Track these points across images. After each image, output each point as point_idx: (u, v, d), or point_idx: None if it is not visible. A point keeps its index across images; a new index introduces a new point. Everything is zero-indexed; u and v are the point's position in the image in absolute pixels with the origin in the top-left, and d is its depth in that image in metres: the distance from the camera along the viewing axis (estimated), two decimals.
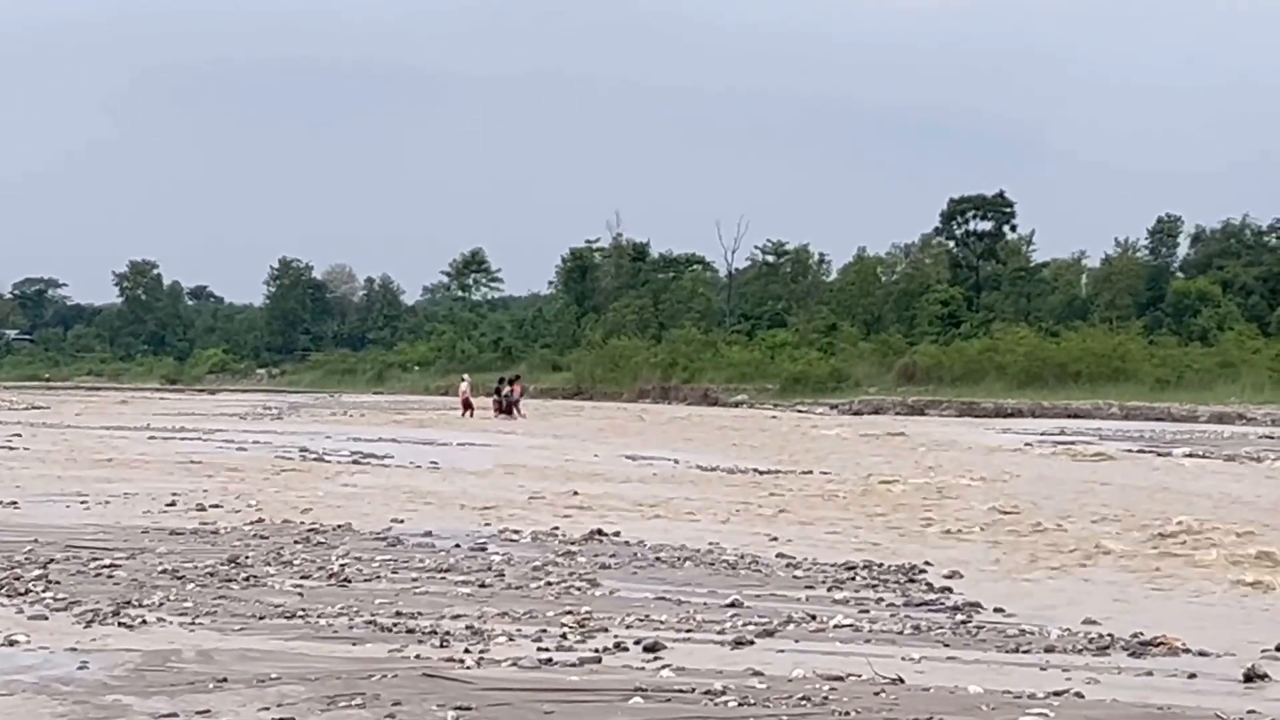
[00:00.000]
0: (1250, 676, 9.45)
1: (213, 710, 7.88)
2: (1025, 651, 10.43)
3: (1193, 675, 9.61)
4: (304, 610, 11.46)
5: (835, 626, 11.21)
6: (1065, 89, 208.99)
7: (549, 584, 13.11)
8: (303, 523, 17.52)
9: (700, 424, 52.04)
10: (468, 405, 58.49)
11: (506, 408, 57.36)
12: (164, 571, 13.36)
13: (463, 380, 63.26)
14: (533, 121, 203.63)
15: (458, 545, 15.67)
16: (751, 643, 10.54)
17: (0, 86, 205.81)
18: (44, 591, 12.11)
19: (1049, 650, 10.50)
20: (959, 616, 11.94)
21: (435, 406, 67.84)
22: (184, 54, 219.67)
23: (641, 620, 11.32)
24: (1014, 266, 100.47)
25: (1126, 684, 9.31)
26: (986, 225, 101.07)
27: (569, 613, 11.47)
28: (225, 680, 8.60)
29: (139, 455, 29.80)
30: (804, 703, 8.11)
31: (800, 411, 66.07)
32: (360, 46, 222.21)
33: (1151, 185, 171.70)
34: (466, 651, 9.83)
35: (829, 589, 13.31)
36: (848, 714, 7.78)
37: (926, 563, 15.12)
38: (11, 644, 9.86)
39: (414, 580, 13.24)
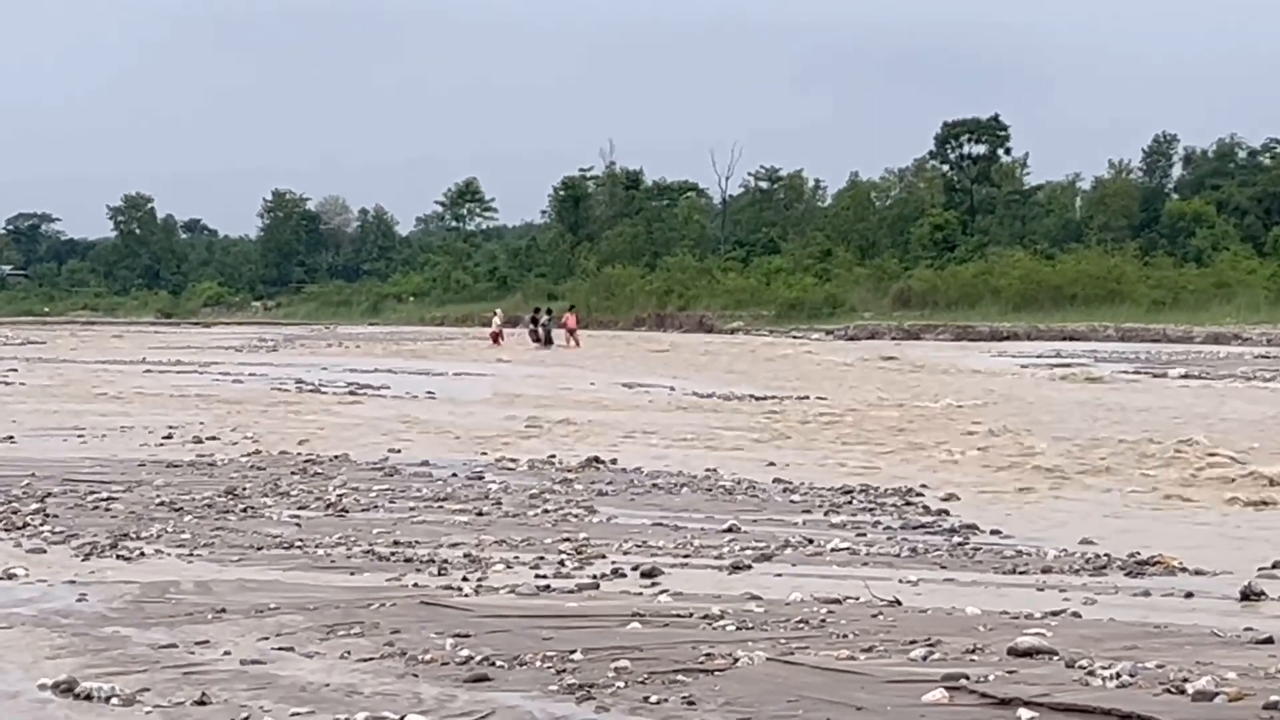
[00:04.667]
0: (1247, 595, 9.46)
1: (211, 640, 7.89)
2: (1022, 572, 10.46)
3: (1190, 594, 9.63)
4: (302, 540, 11.49)
5: (832, 550, 11.23)
6: (1058, 7, 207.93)
7: (546, 512, 13.13)
8: (300, 454, 17.52)
9: (696, 350, 52.01)
10: (497, 338, 58.70)
11: (545, 337, 57.07)
12: (161, 504, 13.38)
13: (494, 314, 64.01)
14: (526, 50, 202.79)
15: (454, 474, 15.69)
16: (749, 567, 10.56)
17: None
18: (42, 525, 12.13)
19: (1046, 571, 10.52)
20: (956, 538, 11.97)
21: (431, 337, 67.79)
22: None
23: (639, 546, 11.34)
24: (1008, 190, 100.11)
25: (1124, 603, 9.33)
26: (980, 149, 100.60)
27: (566, 540, 11.49)
28: (224, 611, 8.61)
29: (135, 389, 29.78)
30: (802, 625, 8.12)
31: (796, 337, 65.99)
32: None
33: (1144, 103, 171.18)
34: (464, 579, 9.85)
35: (826, 513, 13.34)
36: (845, 636, 7.79)
37: (923, 486, 15.15)
38: (10, 577, 9.88)
39: (411, 509, 13.26)
